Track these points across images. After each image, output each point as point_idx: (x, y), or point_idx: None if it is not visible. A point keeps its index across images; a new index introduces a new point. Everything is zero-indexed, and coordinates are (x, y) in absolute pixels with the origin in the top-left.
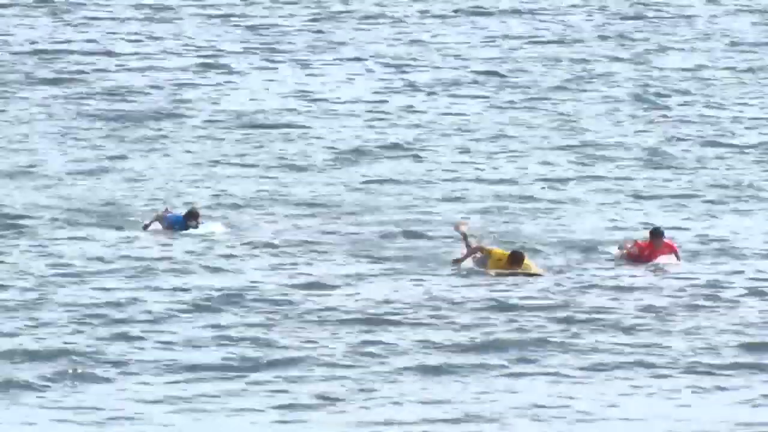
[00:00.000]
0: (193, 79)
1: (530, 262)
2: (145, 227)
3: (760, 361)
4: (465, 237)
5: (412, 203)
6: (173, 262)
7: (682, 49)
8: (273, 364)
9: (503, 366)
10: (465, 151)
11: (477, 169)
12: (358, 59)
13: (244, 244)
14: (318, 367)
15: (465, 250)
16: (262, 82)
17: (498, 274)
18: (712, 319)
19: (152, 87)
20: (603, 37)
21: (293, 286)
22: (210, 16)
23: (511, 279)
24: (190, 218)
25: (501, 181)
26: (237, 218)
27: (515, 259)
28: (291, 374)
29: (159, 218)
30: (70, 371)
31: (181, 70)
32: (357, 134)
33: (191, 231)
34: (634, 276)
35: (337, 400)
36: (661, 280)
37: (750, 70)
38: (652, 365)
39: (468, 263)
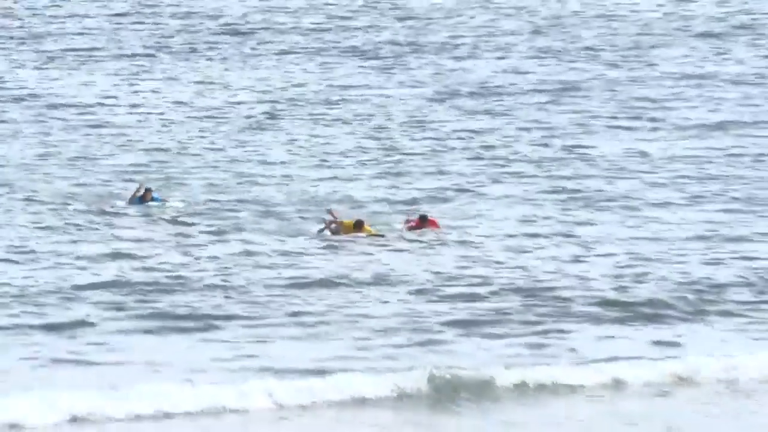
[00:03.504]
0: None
1: (369, 227)
2: (130, 199)
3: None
4: (332, 217)
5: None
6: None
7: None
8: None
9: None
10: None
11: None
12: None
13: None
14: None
15: (327, 222)
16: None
17: (349, 236)
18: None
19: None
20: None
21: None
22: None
23: (357, 241)
24: (145, 195)
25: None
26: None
27: (358, 225)
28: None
29: (133, 196)
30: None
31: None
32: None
33: (145, 207)
34: (410, 241)
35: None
36: (425, 247)
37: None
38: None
39: (326, 232)
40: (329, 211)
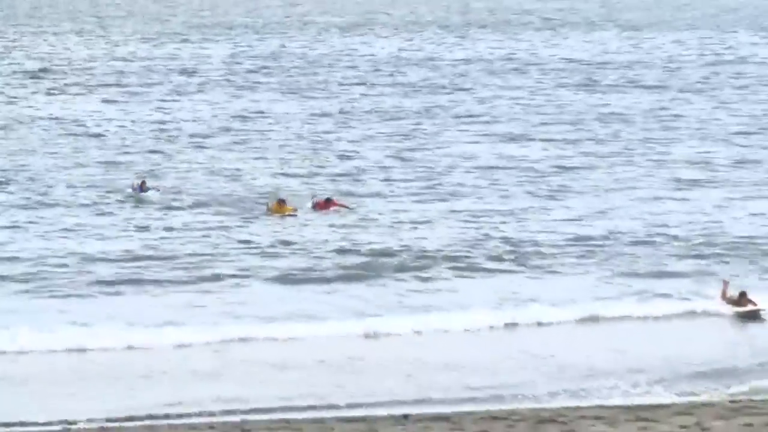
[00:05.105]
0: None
1: (288, 206)
2: (133, 188)
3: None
4: (269, 209)
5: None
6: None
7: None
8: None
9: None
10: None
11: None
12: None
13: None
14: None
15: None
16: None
17: (278, 215)
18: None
19: None
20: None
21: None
22: None
23: (281, 218)
24: (143, 185)
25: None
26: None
27: (281, 202)
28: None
29: (134, 186)
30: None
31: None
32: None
33: (143, 194)
34: (319, 216)
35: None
36: (335, 218)
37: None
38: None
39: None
40: (268, 208)
